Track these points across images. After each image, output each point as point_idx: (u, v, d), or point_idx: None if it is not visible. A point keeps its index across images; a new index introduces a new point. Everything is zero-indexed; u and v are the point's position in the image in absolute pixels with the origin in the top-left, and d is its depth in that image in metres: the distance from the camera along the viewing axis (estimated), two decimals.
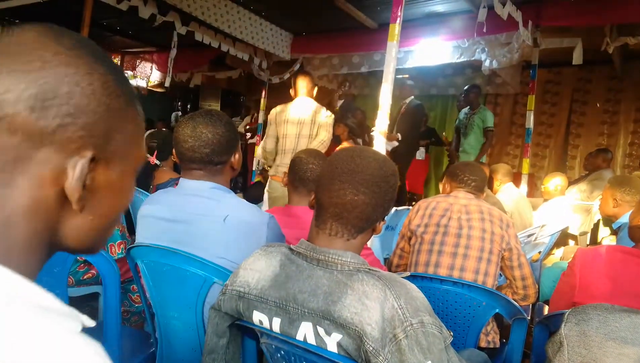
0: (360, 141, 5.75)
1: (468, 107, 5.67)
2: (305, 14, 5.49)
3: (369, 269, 0.99)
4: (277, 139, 3.54)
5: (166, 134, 3.16)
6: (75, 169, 0.46)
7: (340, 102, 6.22)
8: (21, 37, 0.45)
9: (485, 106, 5.78)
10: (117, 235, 2.09)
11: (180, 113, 9.08)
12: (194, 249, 1.32)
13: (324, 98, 6.07)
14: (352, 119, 5.55)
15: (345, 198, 1.02)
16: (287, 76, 6.58)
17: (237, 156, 1.46)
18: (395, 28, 3.17)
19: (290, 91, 3.66)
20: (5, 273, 0.40)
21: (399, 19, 3.17)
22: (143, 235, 1.44)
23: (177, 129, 1.39)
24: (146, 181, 2.89)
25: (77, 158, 0.46)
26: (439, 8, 4.85)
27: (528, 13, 4.26)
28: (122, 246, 2.08)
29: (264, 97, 6.94)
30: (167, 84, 5.72)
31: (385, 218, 1.16)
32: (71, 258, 1.45)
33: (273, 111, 3.59)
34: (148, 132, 6.61)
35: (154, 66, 7.56)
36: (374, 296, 0.92)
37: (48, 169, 0.45)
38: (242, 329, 1.15)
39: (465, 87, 5.82)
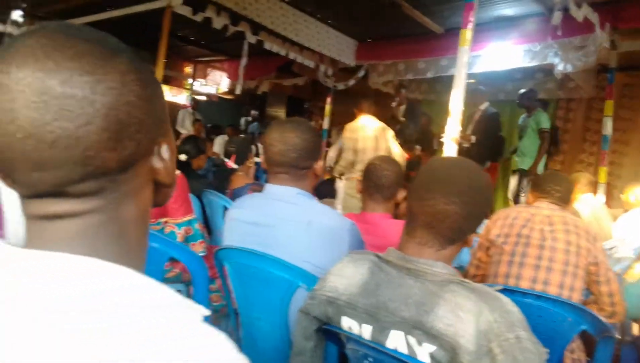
0: (418, 147, 5.72)
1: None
2: (371, 21, 5.50)
3: (461, 280, 0.98)
4: (354, 151, 4.15)
5: (243, 139, 3.29)
6: (161, 163, 0.52)
7: (402, 107, 6.16)
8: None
9: (541, 109, 5.55)
10: (198, 234, 2.19)
11: (250, 119, 9.36)
12: (278, 252, 1.36)
13: (387, 103, 6.05)
14: (412, 127, 5.55)
15: (437, 207, 1.01)
16: (352, 82, 6.63)
17: (320, 162, 1.50)
18: (467, 33, 3.12)
19: (356, 111, 4.34)
20: (131, 274, 0.45)
21: (470, 24, 3.12)
22: (230, 238, 1.50)
23: (266, 134, 1.45)
24: (222, 184, 3.01)
25: (156, 155, 0.51)
26: (509, 11, 4.71)
27: (605, 15, 4.05)
28: (202, 245, 2.17)
29: (329, 104, 7.02)
30: (238, 91, 5.92)
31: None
32: (165, 257, 1.53)
33: (347, 128, 4.28)
34: (221, 137, 6.90)
35: (224, 74, 7.85)
36: (468, 308, 0.91)
37: (142, 178, 0.50)
38: (327, 333, 1.17)
39: (520, 92, 5.63)
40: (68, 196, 0.45)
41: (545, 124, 5.31)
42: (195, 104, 9.00)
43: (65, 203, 0.46)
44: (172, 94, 9.11)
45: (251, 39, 5.46)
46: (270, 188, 1.47)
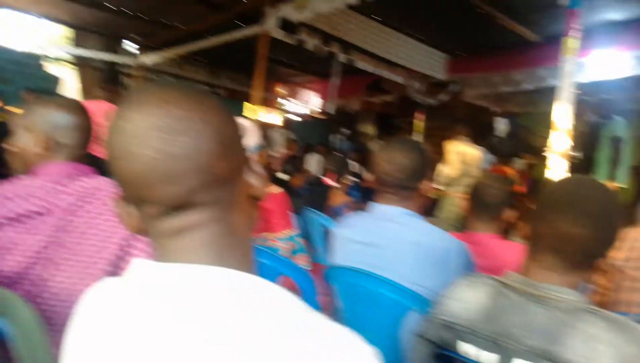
0: (518, 161, 5.49)
1: None
2: (462, 34, 5.39)
3: (594, 309, 0.92)
4: (455, 170, 4.59)
5: (340, 158, 3.35)
6: (253, 178, 0.60)
7: (499, 121, 5.92)
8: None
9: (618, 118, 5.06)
10: (301, 248, 2.25)
11: (341, 137, 9.51)
12: (387, 273, 1.36)
13: (480, 118, 5.85)
14: (510, 142, 5.39)
15: (565, 229, 0.96)
16: (444, 97, 6.50)
17: (428, 182, 1.49)
18: (571, 42, 2.94)
19: (452, 135, 4.78)
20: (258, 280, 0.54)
21: (574, 31, 2.94)
22: (339, 257, 1.53)
23: (376, 154, 1.48)
24: (320, 202, 3.08)
25: (248, 171, 0.59)
26: (616, 16, 4.37)
27: None
28: (306, 259, 2.23)
29: (421, 120, 6.94)
30: (330, 110, 6.07)
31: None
32: (275, 274, 1.60)
33: (453, 149, 4.74)
34: (313, 155, 7.08)
35: (315, 93, 8.07)
36: (605, 340, 0.85)
37: (242, 190, 0.59)
38: (443, 358, 1.15)
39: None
40: (192, 208, 0.54)
41: (621, 133, 4.92)
42: (288, 124, 9.32)
43: (190, 216, 0.54)
44: (265, 115, 9.53)
45: (342, 58, 5.58)
46: (378, 208, 1.48)
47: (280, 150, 7.40)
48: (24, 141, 1.22)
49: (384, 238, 1.42)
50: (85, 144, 1.27)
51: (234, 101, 9.60)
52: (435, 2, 4.50)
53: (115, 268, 1.14)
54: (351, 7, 4.27)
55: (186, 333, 0.47)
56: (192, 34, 6.12)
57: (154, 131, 0.51)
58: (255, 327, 0.47)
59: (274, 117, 9.53)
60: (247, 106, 5.35)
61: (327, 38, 5.25)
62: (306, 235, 2.94)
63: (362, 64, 5.83)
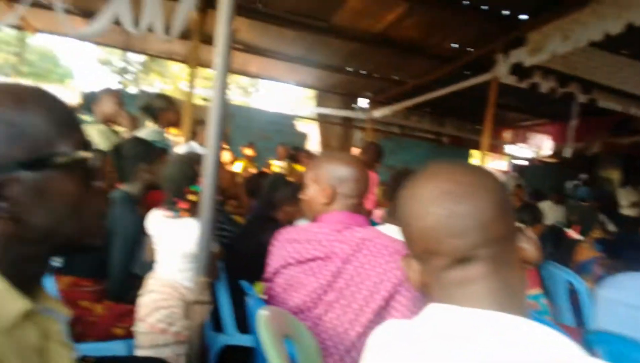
0: None
1: None
2: None
3: None
4: None
5: (588, 208, 3.06)
6: (525, 242, 0.80)
7: None
8: None
9: None
10: (545, 309, 2.12)
11: (577, 183, 8.58)
12: None
13: None
14: None
15: None
16: None
17: None
18: None
19: None
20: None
21: None
22: (604, 320, 1.42)
23: None
24: (563, 256, 2.84)
25: (520, 235, 0.73)
26: None
27: None
28: (549, 321, 2.09)
29: None
30: (566, 155, 5.58)
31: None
32: None
33: None
34: (544, 203, 6.55)
35: (547, 137, 7.51)
36: None
37: (514, 251, 0.68)
38: None
39: None
40: (474, 261, 0.64)
41: None
42: (516, 170, 8.84)
43: (473, 268, 0.64)
44: (492, 161, 9.25)
45: (582, 98, 5.11)
46: None
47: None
48: (312, 192, 1.39)
49: None
50: (361, 195, 1.39)
51: (459, 149, 9.59)
52: None
53: (379, 317, 1.16)
54: (593, 44, 3.93)
55: None
56: (420, 86, 6.43)
57: (445, 195, 0.65)
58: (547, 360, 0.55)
59: (501, 163, 9.16)
60: (473, 153, 5.30)
61: (563, 79, 4.91)
62: (547, 291, 2.74)
63: (607, 103, 5.23)
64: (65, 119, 0.61)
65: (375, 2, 4.71)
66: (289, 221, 2.48)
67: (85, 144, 0.63)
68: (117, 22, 4.70)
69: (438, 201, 0.65)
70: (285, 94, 9.06)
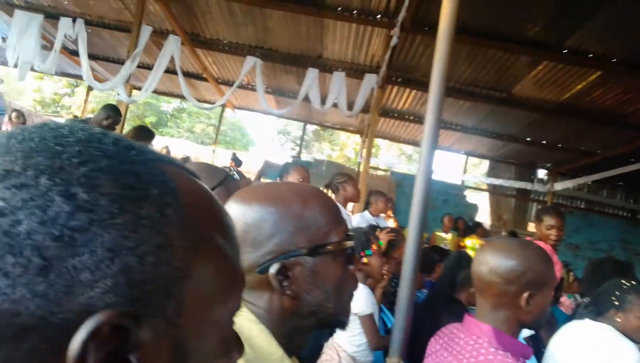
0: None
1: None
2: None
3: None
4: None
5: None
6: None
7: None
8: None
9: None
10: None
11: None
12: None
13: None
14: None
15: None
16: None
17: None
18: None
19: None
20: None
21: None
22: None
23: None
24: None
25: None
26: None
27: None
28: None
29: None
30: None
31: None
32: None
33: None
34: None
35: None
36: None
37: None
38: None
39: None
40: None
41: None
42: None
43: None
44: None
45: None
46: None
47: None
48: None
49: None
50: None
51: None
52: None
53: None
54: None
55: None
56: (611, 158, 5.78)
57: None
58: None
59: None
60: None
61: None
62: None
63: None
64: (335, 213, 0.70)
65: (563, 72, 4.47)
66: (473, 305, 2.33)
67: (348, 234, 0.70)
68: (305, 99, 5.24)
69: None
70: (451, 163, 8.90)
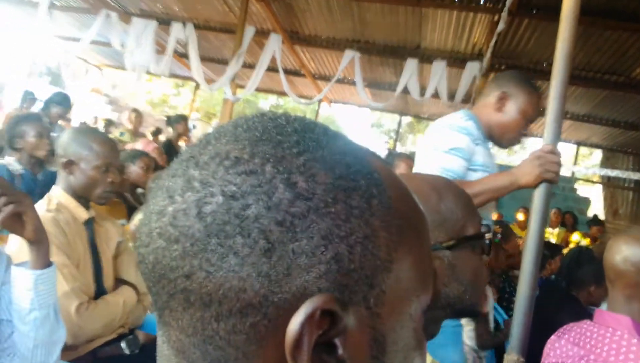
0: None
1: None
2: None
3: None
4: None
5: None
6: None
7: None
8: None
9: None
10: None
11: None
12: None
13: None
14: None
15: None
16: None
17: None
18: None
19: None
20: None
21: None
22: None
23: None
24: None
25: None
26: None
27: None
28: None
29: None
30: None
31: None
32: None
33: None
34: None
35: None
36: None
37: None
38: None
39: None
40: None
41: None
42: None
43: None
44: None
45: None
46: None
47: None
48: None
49: None
50: None
51: None
52: None
53: None
54: None
55: None
56: None
57: None
58: None
59: None
60: None
61: None
62: None
63: None
64: (469, 204, 0.70)
65: None
66: (593, 304, 2.18)
67: (481, 223, 0.70)
68: (402, 91, 5.18)
69: None
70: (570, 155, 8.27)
